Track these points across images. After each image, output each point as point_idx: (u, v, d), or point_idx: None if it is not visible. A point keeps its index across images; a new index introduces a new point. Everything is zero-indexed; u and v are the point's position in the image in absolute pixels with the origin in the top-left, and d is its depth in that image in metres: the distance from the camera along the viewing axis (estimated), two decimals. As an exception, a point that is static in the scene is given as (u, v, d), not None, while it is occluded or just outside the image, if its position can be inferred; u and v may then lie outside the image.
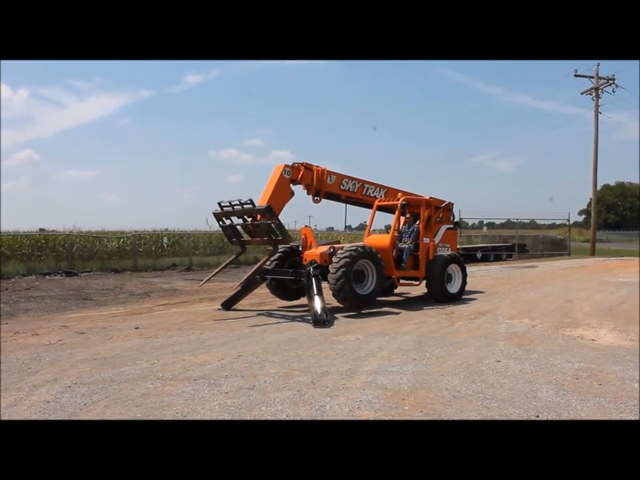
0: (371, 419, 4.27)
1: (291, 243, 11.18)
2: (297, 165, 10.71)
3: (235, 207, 9.79)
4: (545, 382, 5.30)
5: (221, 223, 10.34)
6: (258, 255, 24.38)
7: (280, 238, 9.45)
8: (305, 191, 11.08)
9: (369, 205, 12.02)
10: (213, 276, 10.70)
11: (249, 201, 9.48)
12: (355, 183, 11.65)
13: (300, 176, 10.66)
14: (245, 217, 9.87)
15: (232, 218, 10.24)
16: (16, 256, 19.74)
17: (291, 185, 10.55)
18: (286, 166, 10.41)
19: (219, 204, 10.09)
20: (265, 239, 9.62)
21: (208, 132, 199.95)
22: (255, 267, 10.41)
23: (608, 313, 9.81)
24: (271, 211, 9.35)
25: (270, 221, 9.29)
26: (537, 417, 4.31)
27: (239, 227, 10.28)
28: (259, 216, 9.64)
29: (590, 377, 5.49)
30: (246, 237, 10.58)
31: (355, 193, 11.70)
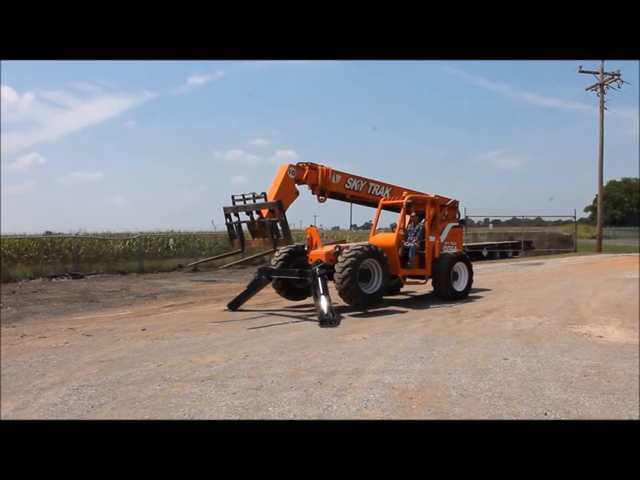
0: (378, 418, 4.26)
1: (296, 243, 11.20)
2: (301, 164, 10.71)
3: (247, 201, 9.94)
4: (553, 379, 5.28)
5: (228, 220, 10.37)
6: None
7: (281, 238, 9.47)
8: (310, 190, 11.08)
9: (374, 204, 12.00)
10: (200, 262, 10.83)
11: (262, 194, 9.64)
12: (359, 182, 11.63)
13: (305, 175, 10.66)
14: (254, 212, 9.93)
15: (240, 215, 10.31)
16: (22, 259, 19.83)
17: (296, 185, 10.56)
18: (290, 166, 10.41)
19: (233, 197, 10.21)
20: (266, 239, 9.64)
21: (213, 132, 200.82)
22: (257, 254, 10.44)
23: (615, 309, 9.77)
24: (281, 205, 9.43)
25: (277, 218, 9.33)
26: (545, 414, 4.29)
27: (244, 225, 10.32)
28: (265, 212, 9.69)
29: (598, 374, 5.46)
30: (247, 238, 10.58)
31: (359, 192, 11.68)
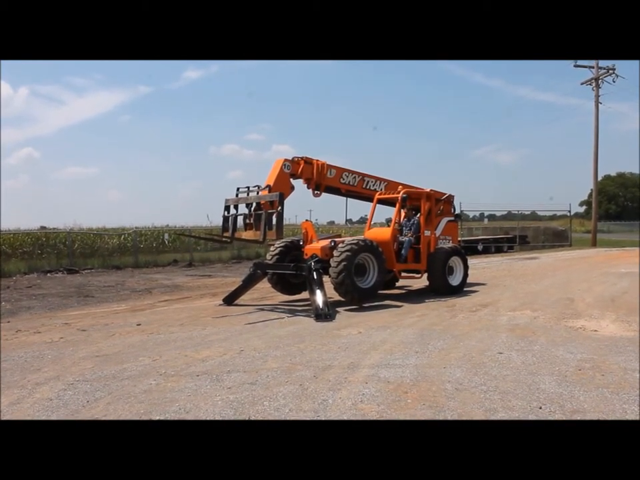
0: (373, 412, 4.27)
1: (292, 237, 11.20)
2: (296, 159, 10.69)
3: (251, 193, 10.12)
4: (548, 373, 5.30)
5: (225, 212, 10.41)
6: (260, 250, 24.40)
7: (272, 230, 9.48)
8: (305, 185, 11.06)
9: (369, 199, 11.99)
10: (183, 235, 10.87)
11: (266, 187, 9.83)
12: (355, 177, 11.62)
13: (300, 170, 10.65)
14: (254, 204, 10.03)
15: (239, 208, 10.41)
16: (17, 254, 19.73)
17: (291, 179, 10.54)
18: (286, 160, 10.39)
19: (238, 189, 10.40)
20: (258, 231, 9.66)
21: (208, 127, 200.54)
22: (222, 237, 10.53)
23: (610, 303, 9.80)
24: (282, 198, 9.51)
25: (275, 210, 9.40)
26: (540, 408, 4.31)
27: (240, 217, 10.38)
28: (262, 203, 9.75)
29: (592, 368, 5.48)
30: (239, 232, 10.61)
31: (355, 187, 11.67)
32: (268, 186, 9.82)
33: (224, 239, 10.81)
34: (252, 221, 10.03)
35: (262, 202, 9.80)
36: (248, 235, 10.34)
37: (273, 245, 10.80)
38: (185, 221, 36.44)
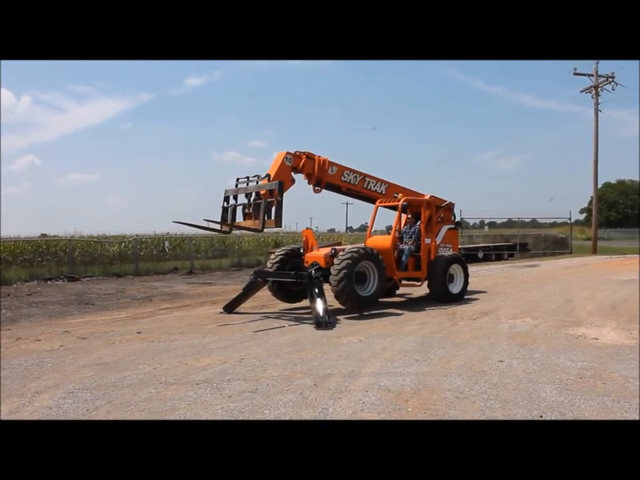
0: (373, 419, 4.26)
1: (292, 245, 11.18)
2: (298, 153, 10.64)
3: (250, 183, 10.15)
4: (549, 381, 5.29)
5: (225, 203, 10.43)
6: (260, 257, 24.43)
7: (271, 219, 9.51)
8: (306, 180, 11.02)
9: (369, 199, 11.99)
10: (180, 223, 11.03)
11: (266, 176, 9.86)
12: (356, 176, 11.57)
13: (301, 164, 10.60)
14: (253, 193, 10.06)
15: (238, 198, 10.46)
16: (18, 262, 19.74)
17: (292, 173, 10.53)
18: (287, 153, 10.36)
19: (237, 179, 10.43)
20: (257, 220, 9.67)
21: (210, 135, 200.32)
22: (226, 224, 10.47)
23: (611, 311, 9.79)
24: (281, 187, 9.53)
25: (275, 199, 9.43)
26: (541, 417, 4.30)
27: (239, 208, 10.42)
28: (262, 192, 9.78)
29: (593, 376, 5.47)
30: (239, 223, 10.63)
31: (356, 186, 11.61)
32: (268, 175, 9.83)
33: (222, 230, 10.81)
34: (251, 211, 10.04)
35: (261, 191, 9.81)
36: (247, 223, 10.32)
37: (274, 252, 10.79)
38: (185, 228, 36.53)
